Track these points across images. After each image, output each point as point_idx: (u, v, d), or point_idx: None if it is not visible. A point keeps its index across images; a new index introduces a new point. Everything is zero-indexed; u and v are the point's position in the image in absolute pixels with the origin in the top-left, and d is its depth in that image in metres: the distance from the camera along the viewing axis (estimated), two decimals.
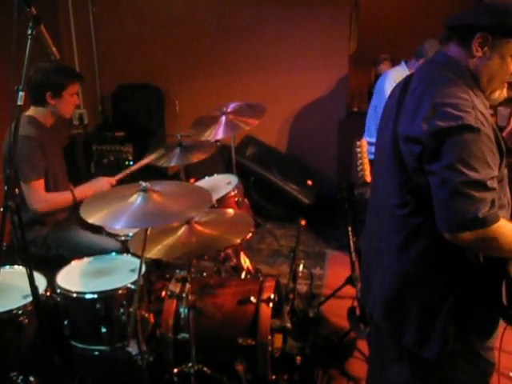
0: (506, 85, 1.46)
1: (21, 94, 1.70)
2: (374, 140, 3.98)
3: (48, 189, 2.46)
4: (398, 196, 1.46)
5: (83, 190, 2.54)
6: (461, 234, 1.29)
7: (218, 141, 3.05)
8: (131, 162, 4.12)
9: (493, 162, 1.30)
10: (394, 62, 3.96)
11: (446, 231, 1.31)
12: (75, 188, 2.57)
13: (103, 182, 2.60)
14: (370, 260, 1.70)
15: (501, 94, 1.47)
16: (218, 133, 2.82)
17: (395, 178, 1.46)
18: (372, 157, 3.63)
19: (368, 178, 2.47)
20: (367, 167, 2.47)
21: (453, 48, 1.44)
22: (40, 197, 2.40)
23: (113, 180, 2.65)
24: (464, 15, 1.42)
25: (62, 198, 2.50)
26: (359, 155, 2.48)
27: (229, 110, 2.90)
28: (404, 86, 1.51)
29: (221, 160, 3.98)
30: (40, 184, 2.41)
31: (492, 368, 1.58)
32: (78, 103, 2.60)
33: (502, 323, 1.53)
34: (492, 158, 1.30)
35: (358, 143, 2.49)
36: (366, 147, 2.49)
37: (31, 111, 2.49)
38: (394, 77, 3.56)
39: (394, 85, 4.01)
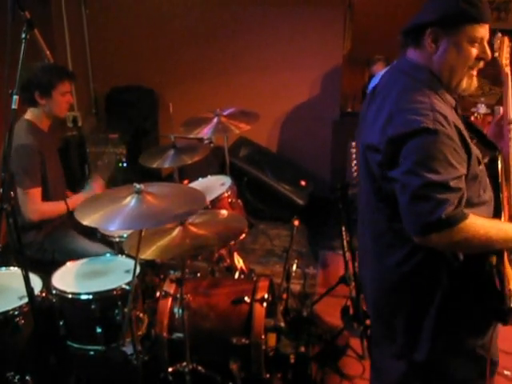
0: (474, 72, 1.42)
1: (15, 97, 1.72)
2: None
3: (45, 194, 2.46)
4: (372, 204, 1.48)
5: (77, 200, 2.51)
6: (428, 237, 1.28)
7: (211, 142, 3.07)
8: (125, 164, 4.12)
9: (457, 161, 1.29)
10: (388, 63, 3.99)
11: (414, 235, 1.31)
12: (69, 198, 2.56)
13: (96, 189, 2.59)
14: (361, 261, 1.73)
15: (470, 82, 1.42)
16: (207, 132, 2.84)
17: (369, 186, 1.47)
18: None
19: None
20: None
21: (411, 52, 1.44)
22: (35, 206, 2.40)
23: (103, 183, 2.65)
24: (414, 18, 1.43)
25: (56, 208, 2.49)
26: (353, 156, 2.51)
27: (224, 113, 2.93)
28: (371, 95, 1.52)
29: (214, 161, 4.00)
30: (36, 192, 2.41)
31: (494, 366, 1.58)
32: (71, 102, 2.55)
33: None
34: (456, 157, 1.29)
35: (352, 144, 2.52)
36: None
37: (28, 114, 2.48)
38: None
39: None
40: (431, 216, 1.25)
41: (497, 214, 1.45)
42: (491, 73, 1.66)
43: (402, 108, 1.32)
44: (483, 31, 1.37)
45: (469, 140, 1.36)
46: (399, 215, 1.37)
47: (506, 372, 2.40)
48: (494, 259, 1.39)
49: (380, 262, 1.50)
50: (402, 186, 1.30)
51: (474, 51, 1.38)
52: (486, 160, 1.46)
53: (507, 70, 1.59)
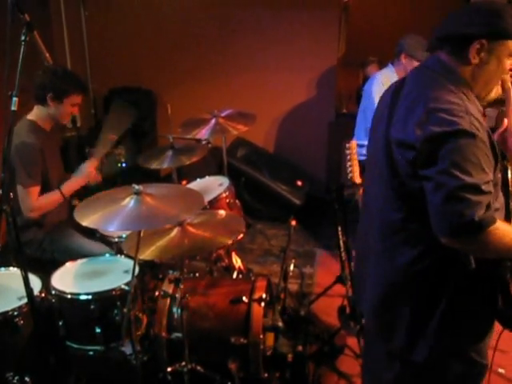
0: (500, 82, 1.47)
1: (15, 99, 1.73)
2: (363, 142, 4.04)
3: (45, 193, 2.48)
4: (389, 201, 1.46)
5: (70, 185, 2.54)
6: (458, 238, 1.28)
7: (209, 142, 3.09)
8: (124, 164, 4.12)
9: (487, 167, 1.30)
10: (382, 65, 4.01)
11: (443, 236, 1.30)
12: (62, 185, 2.54)
13: (87, 170, 2.58)
14: (362, 260, 1.70)
15: (496, 92, 1.47)
16: (205, 133, 2.86)
17: (387, 182, 1.45)
18: (362, 158, 3.68)
19: (357, 179, 2.51)
20: (356, 168, 2.52)
21: (443, 55, 1.44)
22: (33, 204, 2.42)
23: (95, 161, 2.62)
24: (454, 24, 1.42)
25: (51, 198, 2.49)
26: (349, 157, 2.52)
27: (221, 114, 2.95)
28: (396, 90, 1.51)
29: (212, 161, 4.01)
30: (35, 191, 2.42)
31: (484, 369, 1.58)
32: (76, 113, 2.59)
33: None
34: (487, 163, 1.30)
35: (347, 145, 2.52)
36: (355, 149, 2.52)
37: (31, 115, 2.50)
38: (381, 79, 3.61)
39: (382, 87, 4.07)
40: (464, 217, 1.25)
41: (506, 221, 1.46)
42: None
43: (439, 107, 1.32)
44: None
45: (497, 148, 1.37)
46: (416, 215, 1.38)
47: (500, 370, 2.42)
48: (508, 266, 1.40)
49: (389, 261, 1.49)
50: (436, 185, 1.29)
51: (509, 64, 1.43)
52: None
53: (509, 84, 1.59)
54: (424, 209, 1.35)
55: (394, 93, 1.50)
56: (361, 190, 2.51)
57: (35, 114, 2.50)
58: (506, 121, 1.61)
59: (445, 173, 1.27)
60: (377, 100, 4.07)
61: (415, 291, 1.48)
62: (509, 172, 1.48)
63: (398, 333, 1.51)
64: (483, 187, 1.27)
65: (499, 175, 1.43)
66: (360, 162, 2.60)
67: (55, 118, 2.53)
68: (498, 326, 1.56)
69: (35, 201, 2.43)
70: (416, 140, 1.32)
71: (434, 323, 1.46)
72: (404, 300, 1.50)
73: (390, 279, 1.51)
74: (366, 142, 4.02)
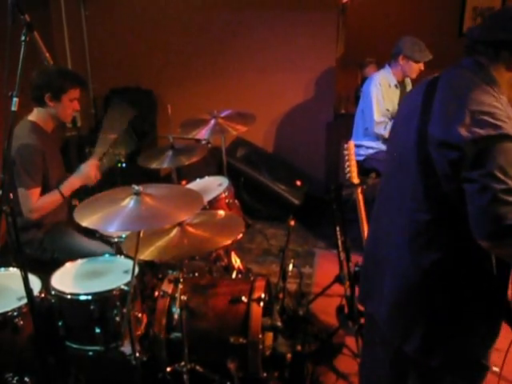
0: None
1: (15, 100, 1.74)
2: (361, 142, 4.06)
3: (45, 194, 2.48)
4: (419, 200, 1.44)
5: (69, 185, 2.53)
6: (498, 242, 1.28)
7: (208, 143, 3.10)
8: (124, 164, 4.13)
9: None
10: (380, 66, 4.04)
11: (483, 238, 1.29)
12: (61, 185, 2.53)
13: (87, 169, 2.57)
14: (376, 260, 1.66)
15: None
16: (205, 133, 2.88)
17: (418, 181, 1.43)
18: (359, 158, 3.69)
19: (355, 180, 2.52)
20: (354, 169, 2.53)
21: (484, 59, 1.42)
22: (33, 206, 2.42)
23: (95, 161, 2.62)
24: (503, 30, 1.40)
25: (51, 199, 2.49)
26: (347, 157, 2.53)
27: (221, 115, 2.96)
28: (429, 88, 1.48)
29: (212, 161, 4.02)
30: (36, 192, 2.43)
31: (486, 371, 1.57)
32: (77, 109, 2.56)
33: None
34: None
35: (345, 145, 2.54)
36: (353, 149, 2.54)
37: (33, 116, 2.50)
38: (379, 80, 3.64)
39: (380, 88, 4.07)
40: (507, 221, 1.24)
41: None
42: None
43: (484, 111, 1.32)
44: None
45: None
46: (444, 217, 1.38)
47: (494, 368, 2.43)
48: None
49: (412, 262, 1.47)
50: (481, 188, 1.28)
51: None
52: None
53: None
54: (453, 212, 1.36)
55: (426, 92, 1.47)
56: (359, 190, 2.53)
57: (36, 115, 2.51)
58: None
59: (490, 175, 1.26)
60: (375, 100, 4.09)
61: (435, 294, 1.46)
62: None
63: (414, 335, 1.49)
64: None
65: None
66: (358, 162, 2.62)
67: (57, 118, 2.53)
68: None
69: (36, 202, 2.43)
70: (461, 141, 1.30)
71: (452, 328, 1.46)
72: (423, 302, 1.48)
73: (411, 280, 1.49)
74: (364, 142, 4.07)
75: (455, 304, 1.44)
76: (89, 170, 2.56)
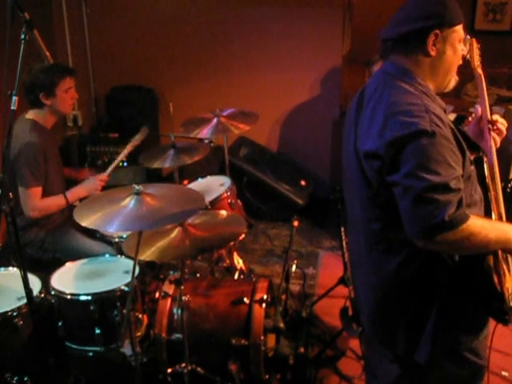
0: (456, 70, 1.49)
1: (14, 98, 1.73)
2: None
3: (45, 192, 2.47)
4: (368, 211, 1.45)
5: (76, 193, 2.55)
6: (431, 240, 1.27)
7: (211, 142, 3.08)
8: (125, 163, 4.12)
9: (455, 162, 1.29)
10: None
11: (416, 239, 1.30)
12: (68, 191, 2.57)
13: (95, 182, 2.60)
14: (353, 270, 1.71)
15: (455, 80, 1.50)
16: (207, 132, 2.85)
17: (363, 193, 1.44)
18: None
19: None
20: None
21: (397, 57, 1.44)
22: (35, 204, 2.42)
23: (104, 176, 2.65)
24: (404, 22, 1.41)
25: (55, 203, 2.51)
26: None
27: (223, 113, 2.93)
28: (358, 99, 1.50)
29: (214, 161, 4.00)
30: (38, 191, 2.43)
31: (481, 370, 1.59)
32: (76, 97, 2.56)
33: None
34: (454, 158, 1.29)
35: None
36: None
37: (30, 114, 2.49)
38: None
39: None
40: (435, 218, 1.24)
41: (487, 214, 1.46)
42: (487, 73, 1.68)
43: (397, 111, 1.32)
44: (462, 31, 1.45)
45: (462, 140, 1.37)
46: (394, 223, 1.37)
47: (503, 373, 2.40)
48: (491, 259, 1.39)
49: (377, 271, 1.49)
50: (403, 190, 1.28)
51: (462, 50, 1.46)
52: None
53: (479, 71, 1.62)
54: (399, 216, 1.34)
55: (357, 103, 1.49)
56: None
57: (34, 113, 2.50)
58: (479, 109, 1.61)
59: (410, 175, 1.26)
60: None
61: (407, 296, 1.47)
62: (484, 163, 1.45)
63: (399, 339, 1.51)
64: (452, 184, 1.26)
65: (472, 167, 1.42)
66: None
67: (59, 112, 2.53)
68: (497, 328, 1.56)
69: (38, 201, 2.43)
70: (379, 148, 1.31)
71: (430, 324, 1.46)
72: (398, 306, 1.49)
73: (380, 288, 1.51)
74: None
75: (428, 302, 1.45)
76: (98, 185, 2.60)
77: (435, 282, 1.43)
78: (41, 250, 2.55)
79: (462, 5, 1.45)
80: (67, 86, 2.47)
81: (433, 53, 1.40)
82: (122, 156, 2.80)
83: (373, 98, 1.41)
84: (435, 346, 1.47)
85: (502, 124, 1.59)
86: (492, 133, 1.56)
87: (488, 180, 1.45)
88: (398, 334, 1.50)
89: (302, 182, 4.36)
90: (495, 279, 1.39)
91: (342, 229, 2.79)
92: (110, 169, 2.71)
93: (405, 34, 1.41)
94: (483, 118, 1.58)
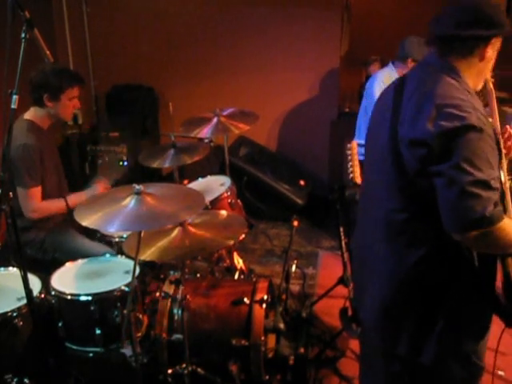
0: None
1: (15, 97, 1.72)
2: (363, 141, 4.02)
3: (45, 193, 2.47)
4: (396, 200, 1.46)
5: (77, 198, 2.53)
6: (469, 233, 1.29)
7: (211, 141, 3.07)
8: (125, 163, 4.11)
9: (494, 162, 1.32)
10: (384, 63, 4.01)
11: (454, 231, 1.32)
12: (69, 195, 2.56)
13: (99, 190, 2.60)
14: (362, 264, 1.69)
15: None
16: (207, 132, 2.84)
17: (394, 182, 1.45)
18: (362, 158, 3.66)
19: (358, 180, 2.50)
20: (357, 169, 2.51)
21: (448, 54, 1.45)
22: (35, 205, 2.41)
23: (108, 186, 2.66)
24: (462, 24, 1.41)
25: (56, 206, 2.50)
26: (349, 157, 2.51)
27: (223, 113, 2.93)
28: (396, 89, 1.51)
29: (214, 160, 3.99)
30: (37, 191, 2.42)
31: (481, 371, 1.59)
32: (78, 107, 2.56)
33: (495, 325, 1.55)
34: (493, 158, 1.32)
35: (348, 145, 2.52)
36: (356, 149, 2.52)
37: (29, 114, 2.48)
38: (382, 78, 3.61)
39: (384, 86, 4.05)
40: (476, 213, 1.26)
41: None
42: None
43: (448, 103, 1.33)
44: None
45: (501, 145, 1.40)
46: (421, 215, 1.39)
47: (500, 372, 2.40)
48: (510, 262, 1.41)
49: (396, 262, 1.49)
50: (448, 181, 1.30)
51: None
52: None
53: (491, 85, 1.63)
54: (430, 208, 1.36)
55: (395, 92, 1.50)
56: None
57: (33, 113, 2.49)
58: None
59: (457, 168, 1.28)
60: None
61: (422, 292, 1.47)
62: (501, 172, 1.46)
63: (404, 337, 1.51)
64: (492, 183, 1.28)
65: (498, 173, 1.43)
66: (361, 161, 2.59)
67: (57, 117, 2.52)
68: (497, 329, 1.56)
69: (38, 202, 2.42)
70: (428, 136, 1.32)
71: (440, 325, 1.46)
72: (410, 302, 1.49)
73: (396, 281, 1.50)
74: None
75: (441, 300, 1.46)
76: (100, 191, 2.57)
77: (450, 281, 1.44)
78: (41, 250, 2.54)
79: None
80: (73, 95, 2.47)
81: (486, 58, 1.44)
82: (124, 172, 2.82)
83: (419, 88, 1.42)
84: (442, 347, 1.47)
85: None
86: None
87: (505, 187, 1.46)
88: (404, 332, 1.50)
89: (301, 182, 4.36)
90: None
91: (341, 229, 2.79)
92: (112, 180, 2.72)
93: (468, 36, 1.42)
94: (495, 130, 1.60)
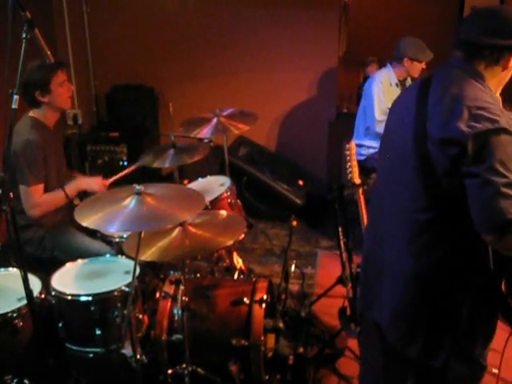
0: None
1: (15, 97, 1.72)
2: (362, 142, 4.04)
3: (47, 191, 2.47)
4: (419, 200, 1.45)
5: (75, 186, 2.54)
6: (501, 235, 1.29)
7: (211, 141, 3.07)
8: (125, 163, 4.11)
9: None
10: (382, 64, 4.03)
11: (487, 232, 1.32)
12: (66, 185, 2.54)
13: (96, 181, 2.59)
14: (375, 265, 1.67)
15: None
16: (207, 132, 2.85)
17: (418, 181, 1.44)
18: (361, 158, 3.68)
19: (356, 180, 2.51)
20: (356, 169, 2.51)
21: (474, 59, 1.46)
22: (36, 202, 2.41)
23: (106, 182, 2.65)
24: (492, 33, 1.43)
25: (55, 198, 2.49)
26: (348, 158, 2.52)
27: (223, 113, 2.93)
28: (421, 88, 1.50)
29: (214, 160, 4.00)
30: (39, 189, 2.42)
31: (484, 370, 1.59)
32: (72, 89, 2.55)
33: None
34: None
35: (347, 146, 2.52)
36: (354, 149, 2.52)
37: (33, 112, 2.49)
38: (381, 79, 3.63)
39: (382, 86, 4.08)
40: (510, 214, 1.27)
41: None
42: None
43: (480, 106, 1.34)
44: None
45: None
46: (444, 215, 1.40)
47: (494, 370, 2.41)
48: None
49: (414, 263, 1.48)
50: (483, 182, 1.30)
51: None
52: None
53: (497, 95, 1.64)
54: (453, 209, 1.37)
55: (419, 92, 1.50)
56: (360, 191, 2.51)
57: (35, 112, 2.49)
58: None
59: (491, 169, 1.29)
60: (376, 99, 4.10)
61: (438, 294, 1.47)
62: None
63: (417, 338, 1.51)
64: None
65: None
66: (359, 162, 2.60)
67: (58, 108, 2.52)
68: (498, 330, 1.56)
69: (39, 198, 2.42)
70: (462, 136, 1.32)
71: (454, 327, 1.46)
72: (426, 303, 1.49)
73: (413, 282, 1.50)
74: (365, 142, 4.05)
75: (457, 303, 1.45)
76: (98, 187, 2.58)
77: (468, 284, 1.44)
78: (40, 248, 2.54)
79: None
80: (61, 80, 2.46)
81: (509, 68, 1.45)
82: (126, 171, 2.81)
83: (447, 90, 1.42)
84: (455, 350, 1.48)
85: None
86: None
87: None
88: (417, 333, 1.50)
89: (300, 182, 4.37)
90: None
91: (340, 229, 2.80)
92: (111, 179, 2.71)
93: (494, 46, 1.43)
94: None
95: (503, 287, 1.43)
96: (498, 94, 1.51)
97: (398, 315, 1.55)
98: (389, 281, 1.57)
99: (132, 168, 2.83)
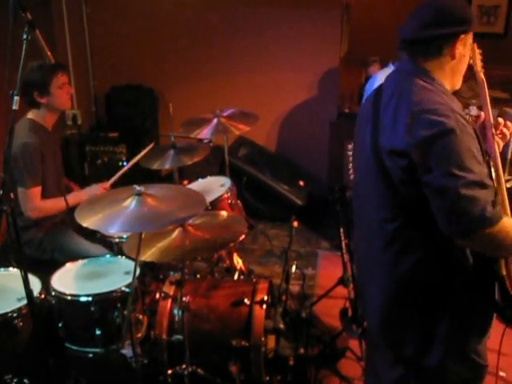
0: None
1: (16, 98, 1.72)
2: None
3: (44, 193, 2.47)
4: (385, 210, 1.45)
5: (77, 197, 2.54)
6: (471, 236, 1.28)
7: (210, 141, 3.07)
8: (125, 163, 4.10)
9: (481, 160, 1.31)
10: (384, 64, 4.01)
11: (455, 236, 1.30)
12: (69, 195, 2.56)
13: (97, 189, 2.61)
14: (362, 270, 1.70)
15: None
16: (207, 133, 2.85)
17: (381, 191, 1.44)
18: None
19: None
20: None
21: (417, 57, 1.44)
22: (34, 204, 2.41)
23: (107, 185, 2.66)
24: (430, 25, 1.41)
25: (56, 205, 2.50)
26: (350, 158, 2.52)
27: (223, 114, 2.93)
28: (375, 98, 1.50)
29: (214, 161, 3.99)
30: (37, 191, 2.42)
31: (484, 370, 1.59)
32: (71, 92, 2.56)
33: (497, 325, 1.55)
34: (479, 156, 1.31)
35: (349, 146, 2.52)
36: None
37: (31, 114, 2.49)
38: (382, 79, 3.60)
39: None
40: (476, 215, 1.24)
41: None
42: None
43: (423, 109, 1.32)
44: None
45: (482, 143, 1.38)
46: (411, 222, 1.39)
47: (501, 373, 2.40)
48: (503, 262, 1.40)
49: (391, 270, 1.49)
50: (440, 190, 1.27)
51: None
52: None
53: (482, 76, 1.63)
54: (419, 216, 1.35)
55: (374, 101, 1.50)
56: None
57: (35, 113, 2.49)
58: (482, 114, 1.61)
59: (446, 175, 1.26)
60: None
61: (421, 297, 1.47)
62: (492, 167, 1.47)
63: (409, 340, 1.51)
64: (485, 181, 1.27)
65: (486, 170, 1.42)
66: None
67: (57, 109, 2.52)
68: (499, 330, 1.57)
69: (38, 201, 2.43)
70: (407, 146, 1.31)
71: (443, 326, 1.46)
72: (411, 307, 1.49)
73: (394, 288, 1.50)
74: None
75: (442, 303, 1.45)
76: (100, 191, 2.58)
77: (448, 283, 1.44)
78: (39, 249, 2.54)
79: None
80: (61, 82, 2.46)
81: (457, 56, 1.42)
82: (126, 168, 2.81)
83: (394, 97, 1.41)
84: (448, 346, 1.47)
85: (507, 127, 1.60)
86: (496, 137, 1.57)
87: (495, 184, 1.45)
88: (409, 336, 1.51)
89: (301, 183, 4.36)
90: (508, 282, 1.40)
91: (341, 229, 2.79)
92: (113, 179, 2.72)
93: (432, 37, 1.41)
94: (486, 122, 1.58)
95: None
96: (458, 86, 1.49)
97: (387, 321, 1.56)
98: (374, 289, 1.58)
99: (130, 164, 2.82)
